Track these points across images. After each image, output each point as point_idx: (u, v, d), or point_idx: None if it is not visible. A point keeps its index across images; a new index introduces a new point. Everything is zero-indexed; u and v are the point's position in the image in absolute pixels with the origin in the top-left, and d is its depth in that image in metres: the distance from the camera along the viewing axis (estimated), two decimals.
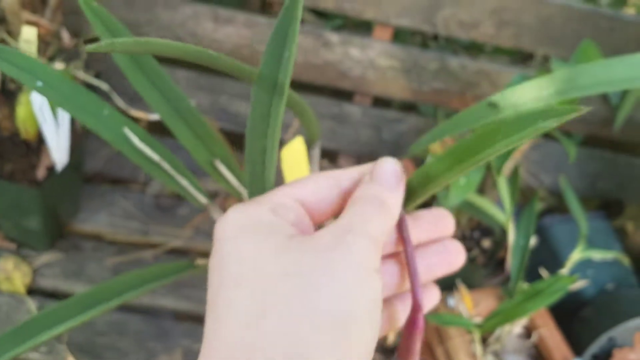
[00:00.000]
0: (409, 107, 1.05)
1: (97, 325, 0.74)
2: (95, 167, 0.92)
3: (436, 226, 0.36)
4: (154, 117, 0.74)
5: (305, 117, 0.42)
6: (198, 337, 0.75)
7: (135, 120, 0.74)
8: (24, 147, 0.71)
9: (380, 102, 0.97)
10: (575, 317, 0.76)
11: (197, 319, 0.78)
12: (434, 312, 0.63)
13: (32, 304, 0.74)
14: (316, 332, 0.24)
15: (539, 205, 0.95)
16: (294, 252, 0.27)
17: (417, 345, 0.31)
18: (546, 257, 0.81)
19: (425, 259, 0.35)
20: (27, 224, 0.76)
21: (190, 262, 0.49)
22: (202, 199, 0.50)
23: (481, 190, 0.73)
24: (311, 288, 0.25)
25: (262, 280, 0.26)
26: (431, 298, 0.36)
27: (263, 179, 0.34)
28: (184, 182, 0.48)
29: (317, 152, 0.49)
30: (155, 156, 0.46)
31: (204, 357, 0.25)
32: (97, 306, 0.42)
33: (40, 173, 0.70)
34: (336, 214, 0.32)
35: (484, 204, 0.67)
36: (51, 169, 0.71)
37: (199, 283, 0.81)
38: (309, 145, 0.51)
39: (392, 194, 0.30)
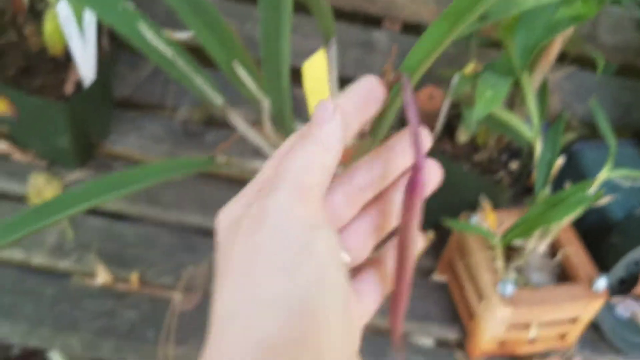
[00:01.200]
0: None
1: (127, 237, 0.76)
2: (124, 93, 0.93)
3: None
4: (182, 35, 0.74)
5: (318, 10, 0.42)
6: None
7: None
8: (52, 63, 0.73)
9: (410, 28, 0.95)
10: (603, 241, 0.75)
11: None
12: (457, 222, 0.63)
13: None
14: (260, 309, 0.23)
15: (571, 135, 0.93)
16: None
17: (417, 210, 0.31)
18: (575, 180, 0.79)
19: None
20: (57, 142, 0.77)
21: (210, 157, 0.50)
22: (218, 99, 0.50)
23: (510, 107, 0.72)
24: (250, 268, 0.25)
25: (229, 262, 0.26)
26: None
27: (279, 79, 0.34)
28: (199, 80, 0.48)
29: (333, 50, 0.48)
30: (169, 52, 0.46)
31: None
32: (119, 190, 0.43)
33: (68, 88, 0.71)
34: None
35: (512, 119, 0.66)
36: (79, 84, 0.72)
37: (226, 201, 0.82)
38: (325, 42, 0.50)
39: (320, 127, 0.28)
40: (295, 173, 0.26)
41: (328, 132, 0.28)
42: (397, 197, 0.32)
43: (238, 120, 0.51)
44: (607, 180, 0.75)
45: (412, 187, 0.30)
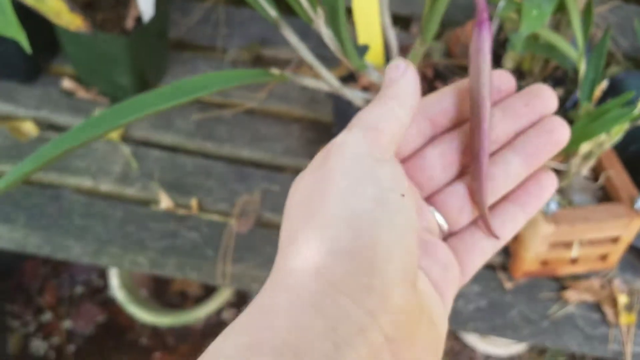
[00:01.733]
0: None
1: (185, 168, 0.80)
2: (177, 35, 0.97)
3: (533, 108, 0.32)
4: None
5: None
6: (274, 181, 0.80)
7: None
8: None
9: None
10: None
11: (274, 168, 0.84)
12: None
13: (125, 149, 0.81)
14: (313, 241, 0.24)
15: (615, 69, 0.94)
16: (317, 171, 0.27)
17: (488, 45, 0.29)
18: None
19: (527, 147, 0.31)
20: (118, 79, 0.82)
21: (265, 70, 0.53)
22: (272, 12, 0.53)
23: (556, 29, 0.73)
24: (318, 194, 0.26)
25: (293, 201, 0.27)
26: (547, 186, 0.33)
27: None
28: None
29: None
30: None
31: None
32: (176, 99, 0.47)
33: (129, 23, 0.76)
34: None
35: (557, 40, 0.67)
36: (139, 20, 0.77)
37: (276, 137, 0.86)
38: None
39: (393, 85, 0.28)
40: (368, 120, 0.27)
41: (401, 88, 0.28)
42: (508, 159, 0.32)
43: (290, 34, 0.54)
44: None
45: (479, 26, 0.29)
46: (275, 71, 0.54)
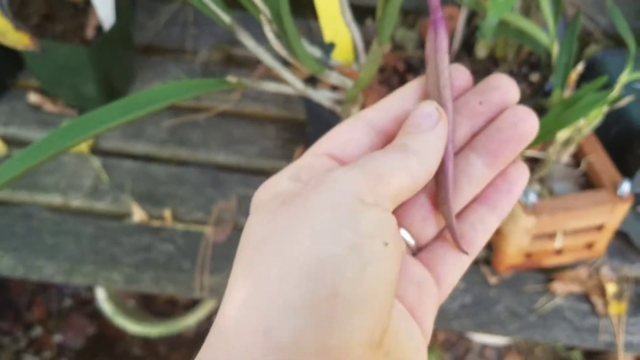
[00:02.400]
0: None
1: (158, 177, 0.78)
2: (145, 39, 0.95)
3: (490, 103, 0.29)
4: None
5: None
6: (251, 185, 0.78)
7: None
8: (72, 8, 0.74)
9: None
10: (628, 150, 0.75)
11: (249, 171, 0.82)
12: None
13: (95, 162, 0.79)
14: (285, 286, 0.21)
15: (594, 48, 0.91)
16: (287, 206, 0.23)
17: (445, 44, 0.28)
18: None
19: (489, 145, 0.29)
20: (84, 89, 0.80)
21: (222, 79, 0.51)
22: (226, 18, 0.51)
23: (526, 15, 0.70)
24: (282, 233, 0.22)
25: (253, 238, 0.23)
26: (517, 180, 0.30)
27: None
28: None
29: None
30: None
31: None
32: (131, 113, 0.45)
33: (89, 32, 0.73)
34: None
35: (528, 25, 0.65)
36: (99, 29, 0.74)
37: (251, 139, 0.84)
38: None
39: (416, 137, 0.25)
40: (376, 165, 0.24)
41: (429, 143, 0.25)
42: (471, 160, 0.29)
43: (246, 38, 0.52)
44: (631, 87, 0.74)
45: (436, 25, 0.28)
46: (232, 79, 0.52)
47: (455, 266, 0.29)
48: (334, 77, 0.52)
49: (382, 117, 0.28)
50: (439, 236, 0.30)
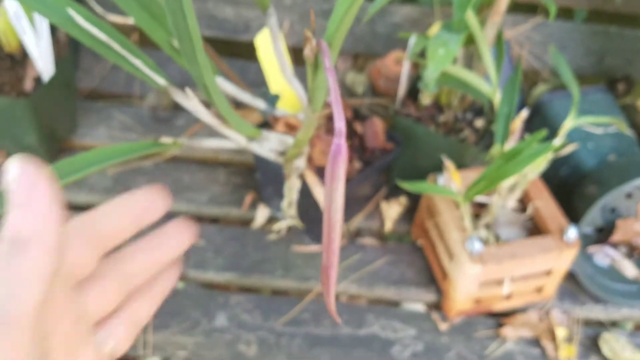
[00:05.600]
0: None
1: None
2: (90, 85, 0.93)
3: (140, 218, 0.31)
4: (132, 21, 0.74)
5: None
6: (201, 234, 0.76)
7: (114, 26, 0.74)
8: (9, 60, 0.72)
9: None
10: (577, 191, 0.75)
11: (198, 219, 0.80)
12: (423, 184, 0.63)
13: None
14: None
15: (542, 88, 0.93)
16: None
17: (341, 177, 0.31)
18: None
19: (149, 253, 0.30)
20: (25, 140, 0.77)
21: (155, 140, 0.50)
22: (160, 80, 0.50)
23: (469, 66, 0.71)
24: None
25: None
26: (171, 279, 0.32)
27: (194, 55, 0.33)
28: (138, 63, 0.48)
29: (273, 21, 0.48)
30: (102, 36, 0.45)
31: None
32: (65, 178, 0.43)
33: (28, 84, 0.71)
34: None
35: (469, 77, 0.66)
36: (38, 80, 0.72)
37: (201, 185, 0.82)
38: (264, 14, 0.50)
39: (21, 213, 0.21)
40: None
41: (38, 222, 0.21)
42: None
43: (182, 99, 0.51)
44: (578, 128, 0.75)
45: (335, 152, 0.30)
46: (166, 140, 0.51)
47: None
48: (272, 139, 0.51)
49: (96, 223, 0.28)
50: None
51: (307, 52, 0.36)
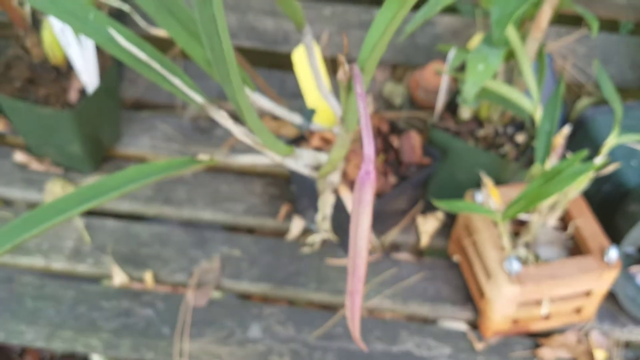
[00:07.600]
0: (444, 8, 1.00)
1: (140, 237, 0.77)
2: (134, 95, 0.95)
3: None
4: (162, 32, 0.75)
5: (286, 4, 0.42)
6: (235, 244, 0.77)
7: (156, 38, 0.75)
8: (55, 72, 0.74)
9: (414, 4, 0.93)
10: (619, 210, 0.73)
11: (235, 229, 0.81)
12: (457, 202, 0.62)
13: (79, 222, 0.78)
14: None
15: (586, 101, 0.90)
16: None
17: (369, 203, 0.31)
18: (587, 148, 0.77)
19: None
20: (69, 149, 0.80)
21: (192, 158, 0.50)
22: (198, 99, 0.51)
23: (509, 80, 0.70)
24: None
25: None
26: None
27: (223, 57, 0.34)
28: (177, 81, 0.49)
29: (309, 39, 0.48)
30: (143, 55, 0.47)
31: None
32: (105, 195, 0.44)
33: (73, 96, 0.73)
34: None
35: (510, 92, 0.64)
36: (82, 91, 0.74)
37: (238, 196, 0.83)
38: (300, 32, 0.50)
39: None
40: None
41: None
42: None
43: (219, 116, 0.52)
44: (621, 145, 0.73)
45: (363, 179, 0.30)
46: (203, 157, 0.52)
47: None
48: (305, 156, 0.51)
49: None
50: None
51: (340, 75, 0.36)
